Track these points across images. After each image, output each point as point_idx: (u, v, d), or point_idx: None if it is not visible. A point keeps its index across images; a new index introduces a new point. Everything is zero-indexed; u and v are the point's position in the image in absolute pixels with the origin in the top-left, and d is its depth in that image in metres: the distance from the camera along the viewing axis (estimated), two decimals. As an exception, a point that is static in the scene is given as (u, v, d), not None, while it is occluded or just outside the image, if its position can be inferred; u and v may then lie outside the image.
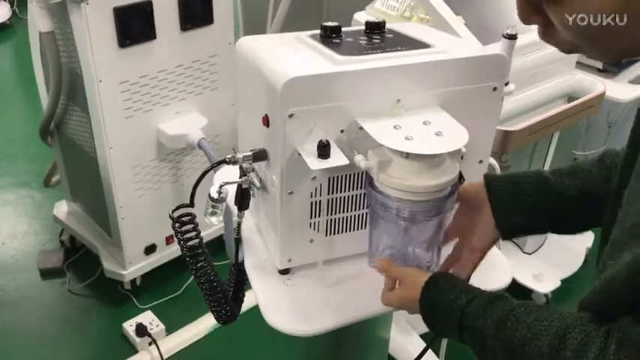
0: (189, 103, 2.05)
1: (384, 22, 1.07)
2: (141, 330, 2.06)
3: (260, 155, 0.99)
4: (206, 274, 1.07)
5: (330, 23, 1.03)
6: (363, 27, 1.06)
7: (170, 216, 1.02)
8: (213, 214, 1.04)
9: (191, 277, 2.29)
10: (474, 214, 0.96)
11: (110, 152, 1.92)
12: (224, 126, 2.20)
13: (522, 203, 0.92)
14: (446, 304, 0.80)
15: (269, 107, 0.94)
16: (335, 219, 1.04)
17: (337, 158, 0.90)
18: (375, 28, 1.05)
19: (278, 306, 1.01)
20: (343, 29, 1.05)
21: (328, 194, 1.00)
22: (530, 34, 1.70)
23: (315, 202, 1.00)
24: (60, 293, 2.32)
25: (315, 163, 0.90)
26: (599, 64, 2.01)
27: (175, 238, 1.04)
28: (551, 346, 0.66)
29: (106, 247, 2.25)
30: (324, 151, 0.90)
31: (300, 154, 0.92)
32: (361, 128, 0.93)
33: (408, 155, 0.87)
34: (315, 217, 1.01)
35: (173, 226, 1.03)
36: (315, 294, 1.04)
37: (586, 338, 0.64)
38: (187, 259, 1.06)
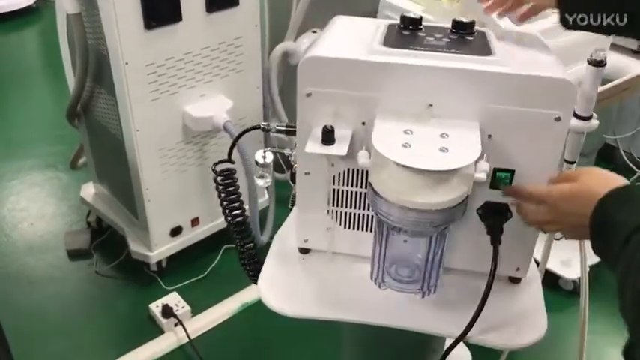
0: (214, 85, 2.04)
1: (472, 22, 0.97)
2: (167, 311, 2.08)
3: (292, 130, 1.00)
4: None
5: (410, 14, 0.97)
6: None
7: (213, 169, 1.12)
8: (260, 177, 1.14)
9: (216, 259, 2.33)
10: None
11: (136, 134, 1.93)
12: (249, 108, 2.19)
13: None
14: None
15: None
16: (356, 214, 1.00)
17: (338, 147, 0.87)
18: (460, 28, 0.97)
19: (276, 280, 1.05)
20: (428, 24, 0.98)
21: (348, 185, 0.97)
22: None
23: (336, 190, 0.98)
24: (87, 274, 2.35)
25: (311, 146, 0.88)
26: (634, 46, 1.95)
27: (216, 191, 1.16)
28: None
29: (133, 228, 2.27)
30: (327, 137, 0.87)
31: None
32: None
33: (404, 165, 0.80)
34: (334, 205, 0.99)
35: (214, 180, 1.14)
36: (319, 280, 1.05)
37: None
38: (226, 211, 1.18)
